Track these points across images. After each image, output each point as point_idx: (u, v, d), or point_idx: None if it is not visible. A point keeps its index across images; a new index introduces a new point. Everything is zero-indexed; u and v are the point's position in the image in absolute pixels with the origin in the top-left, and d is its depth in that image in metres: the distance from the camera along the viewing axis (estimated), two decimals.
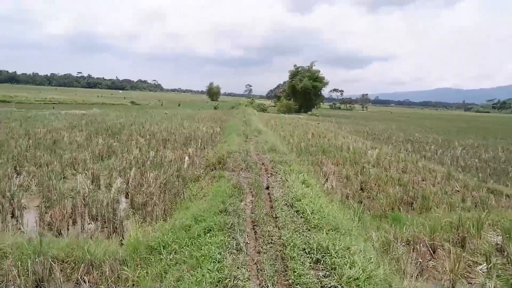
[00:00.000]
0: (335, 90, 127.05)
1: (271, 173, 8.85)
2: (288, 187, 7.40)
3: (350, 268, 3.83)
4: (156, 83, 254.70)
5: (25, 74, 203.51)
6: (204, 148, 14.30)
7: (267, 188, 7.45)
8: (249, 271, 3.88)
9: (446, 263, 5.19)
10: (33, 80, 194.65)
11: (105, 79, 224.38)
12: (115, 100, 65.77)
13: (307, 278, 3.69)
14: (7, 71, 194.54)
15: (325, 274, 3.83)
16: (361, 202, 8.28)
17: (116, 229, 6.02)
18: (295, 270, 3.86)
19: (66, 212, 6.30)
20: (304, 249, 4.42)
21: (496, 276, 4.73)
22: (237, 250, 4.33)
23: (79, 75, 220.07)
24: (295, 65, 69.29)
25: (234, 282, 3.54)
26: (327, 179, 9.93)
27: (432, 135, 26.77)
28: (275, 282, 3.71)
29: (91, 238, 5.30)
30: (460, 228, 6.19)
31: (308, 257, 4.23)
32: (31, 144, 12.42)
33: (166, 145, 14.40)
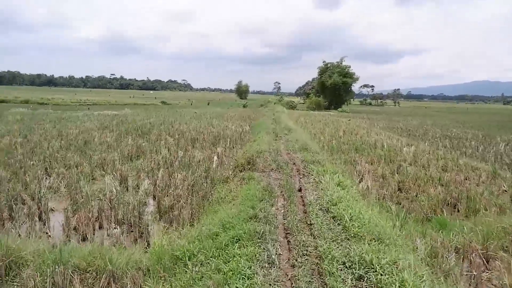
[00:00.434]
0: (365, 85, 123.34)
1: (303, 174, 8.35)
2: (322, 189, 6.90)
3: None
4: (185, 83, 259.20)
5: (62, 77, 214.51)
6: (233, 147, 14.02)
7: (300, 190, 6.97)
8: None
9: (504, 275, 4.58)
10: (70, 82, 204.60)
11: (137, 80, 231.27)
12: (146, 100, 67.29)
13: None
14: (46, 75, 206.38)
15: None
16: (400, 204, 7.76)
17: (142, 234, 5.78)
18: None
19: (92, 216, 6.15)
20: (344, 263, 3.92)
21: None
22: (269, 264, 3.89)
23: (112, 76, 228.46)
24: (324, 61, 67.96)
25: None
26: (361, 179, 9.40)
27: (470, 130, 25.30)
28: None
29: (114, 245, 5.07)
30: None
31: (349, 272, 3.73)
32: (62, 145, 12.64)
33: (195, 144, 14.23)
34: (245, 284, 3.38)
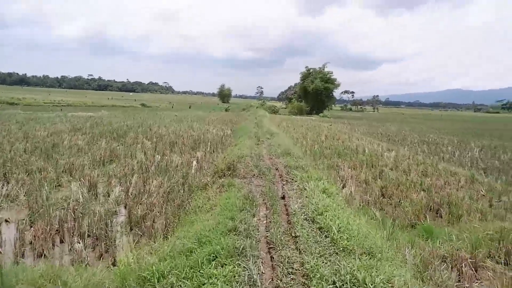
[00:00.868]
0: (346, 91, 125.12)
1: (286, 180, 7.93)
2: (307, 197, 6.51)
3: None
4: (167, 86, 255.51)
5: (36, 76, 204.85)
6: (213, 151, 13.46)
7: (283, 198, 6.53)
8: None
9: (495, 284, 4.48)
10: (44, 82, 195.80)
11: (116, 82, 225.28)
12: (125, 102, 65.53)
13: None
14: (17, 73, 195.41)
15: None
16: (383, 210, 7.53)
17: (108, 249, 5.15)
18: None
19: (51, 228, 5.45)
20: (335, 283, 3.51)
21: None
22: (250, 286, 3.41)
23: (90, 77, 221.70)
24: (306, 67, 68.68)
25: None
26: (344, 184, 9.19)
27: (446, 136, 25.96)
28: None
29: (74, 263, 4.43)
30: (502, 241, 5.43)
31: None
32: (27, 148, 11.63)
33: (174, 148, 13.59)
34: None
